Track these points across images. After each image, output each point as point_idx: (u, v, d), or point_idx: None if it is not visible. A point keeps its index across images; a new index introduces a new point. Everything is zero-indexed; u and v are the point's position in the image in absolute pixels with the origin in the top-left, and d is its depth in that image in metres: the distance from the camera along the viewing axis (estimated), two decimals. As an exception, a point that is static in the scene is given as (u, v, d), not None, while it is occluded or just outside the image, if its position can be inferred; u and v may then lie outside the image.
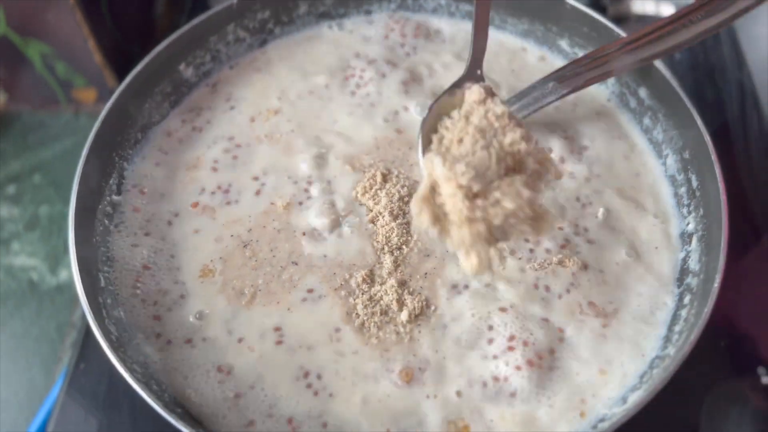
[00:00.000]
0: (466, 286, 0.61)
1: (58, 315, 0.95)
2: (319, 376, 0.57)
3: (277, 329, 0.59)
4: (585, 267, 0.62)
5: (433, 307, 0.60)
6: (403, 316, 0.59)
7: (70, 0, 0.90)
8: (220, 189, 0.67)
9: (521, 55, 0.79)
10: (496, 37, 0.80)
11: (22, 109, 1.13)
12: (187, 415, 0.55)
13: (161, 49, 0.70)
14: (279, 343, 0.58)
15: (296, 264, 0.62)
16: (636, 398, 0.53)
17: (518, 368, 0.56)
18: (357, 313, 0.59)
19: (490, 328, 0.58)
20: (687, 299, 0.59)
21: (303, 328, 0.59)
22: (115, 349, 0.53)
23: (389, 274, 0.61)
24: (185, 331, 0.59)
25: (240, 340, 0.58)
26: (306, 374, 0.57)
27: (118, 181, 0.67)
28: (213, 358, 0.58)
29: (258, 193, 0.67)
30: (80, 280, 0.56)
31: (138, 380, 0.52)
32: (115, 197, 0.66)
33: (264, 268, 0.62)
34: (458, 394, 0.56)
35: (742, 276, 0.77)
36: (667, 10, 1.00)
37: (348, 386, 0.56)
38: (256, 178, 0.68)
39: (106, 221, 0.64)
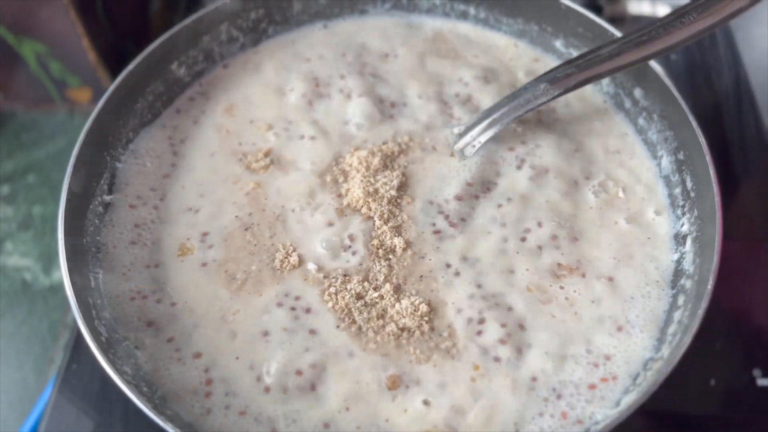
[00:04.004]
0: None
1: (50, 315, 0.94)
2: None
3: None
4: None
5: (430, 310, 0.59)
6: (405, 320, 0.58)
7: (64, -1, 0.90)
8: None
9: (515, 54, 0.78)
10: (490, 37, 0.79)
11: (17, 109, 1.13)
12: (178, 417, 0.54)
13: (153, 49, 0.70)
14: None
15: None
16: (629, 400, 0.53)
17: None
18: (353, 319, 0.58)
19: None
20: (681, 301, 0.59)
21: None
22: (105, 351, 0.53)
23: (385, 279, 0.60)
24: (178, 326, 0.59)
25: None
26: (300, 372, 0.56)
27: (109, 180, 0.66)
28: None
29: (246, 192, 0.67)
30: (69, 280, 0.55)
31: (127, 382, 0.51)
32: (106, 197, 0.65)
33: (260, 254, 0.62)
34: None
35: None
36: (664, 11, 1.00)
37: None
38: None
39: (97, 221, 0.63)
